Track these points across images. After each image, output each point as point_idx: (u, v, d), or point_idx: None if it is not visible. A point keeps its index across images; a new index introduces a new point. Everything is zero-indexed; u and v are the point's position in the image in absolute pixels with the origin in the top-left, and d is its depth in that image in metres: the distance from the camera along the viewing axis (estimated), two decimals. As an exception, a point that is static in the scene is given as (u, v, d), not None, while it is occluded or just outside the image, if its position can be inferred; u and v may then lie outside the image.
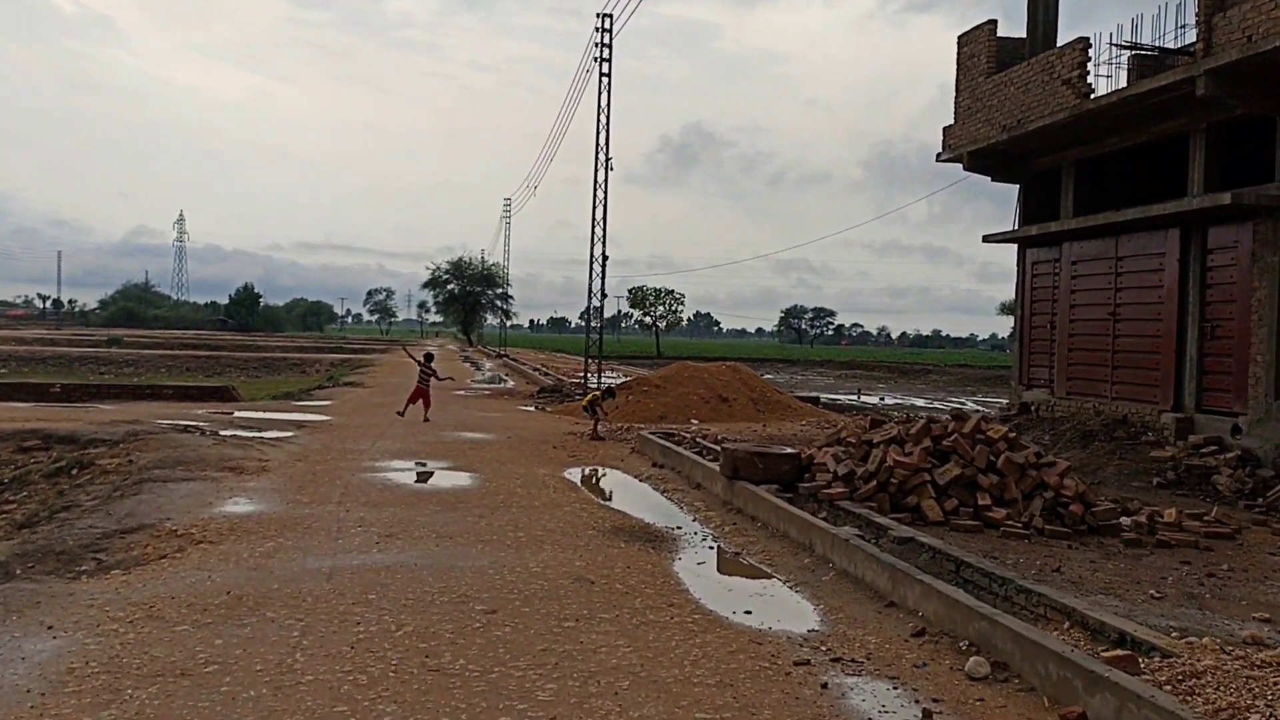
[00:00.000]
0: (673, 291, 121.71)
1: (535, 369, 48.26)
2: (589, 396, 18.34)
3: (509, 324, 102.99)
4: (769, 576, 8.68)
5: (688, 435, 17.28)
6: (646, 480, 14.14)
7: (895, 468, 10.64)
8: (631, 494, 13.16)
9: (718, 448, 15.09)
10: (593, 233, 29.02)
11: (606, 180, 28.87)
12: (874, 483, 10.61)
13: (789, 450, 12.03)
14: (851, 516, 10.04)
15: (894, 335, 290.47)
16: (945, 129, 20.80)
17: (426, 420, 21.38)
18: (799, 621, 7.26)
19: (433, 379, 22.72)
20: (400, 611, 7.03)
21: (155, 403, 24.70)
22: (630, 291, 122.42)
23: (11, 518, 13.03)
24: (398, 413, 21.95)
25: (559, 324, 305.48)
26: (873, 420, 12.55)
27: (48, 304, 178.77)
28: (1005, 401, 23.28)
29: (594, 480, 14.45)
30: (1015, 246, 20.35)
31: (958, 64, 20.24)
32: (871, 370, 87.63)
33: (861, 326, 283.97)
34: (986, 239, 20.50)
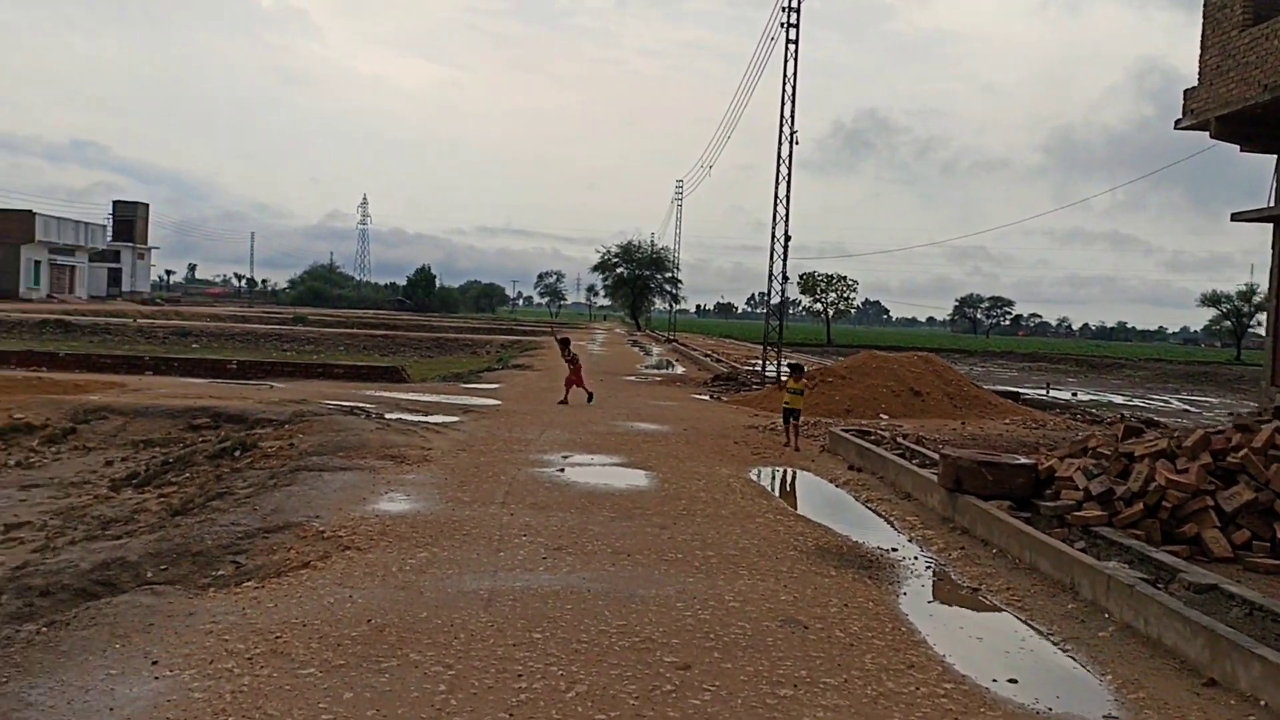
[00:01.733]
0: (845, 278, 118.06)
1: (706, 355, 46.85)
2: (785, 400, 16.02)
3: (676, 308, 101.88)
4: (1025, 624, 6.91)
5: (885, 434, 15.44)
6: (844, 486, 12.44)
7: (1168, 489, 8.66)
8: (830, 503, 11.50)
9: (926, 451, 13.25)
10: (774, 211, 27.28)
11: (791, 156, 27.07)
12: (1139, 506, 8.66)
13: (1023, 460, 10.14)
14: (1115, 548, 8.15)
15: (1075, 326, 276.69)
16: (1186, 92, 18.16)
17: (562, 402, 20.74)
18: (1087, 701, 5.50)
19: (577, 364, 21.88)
20: (571, 660, 5.63)
21: (326, 381, 24.40)
22: (801, 277, 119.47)
23: (169, 502, 12.40)
24: (560, 401, 20.96)
25: (726, 309, 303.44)
26: (1127, 428, 10.51)
27: (243, 283, 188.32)
28: (1253, 405, 20.42)
29: (784, 484, 12.85)
30: (1270, 226, 17.59)
31: (1204, 17, 17.59)
32: (1057, 363, 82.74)
33: (1040, 317, 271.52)
34: (1236, 217, 17.80)
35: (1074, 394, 43.61)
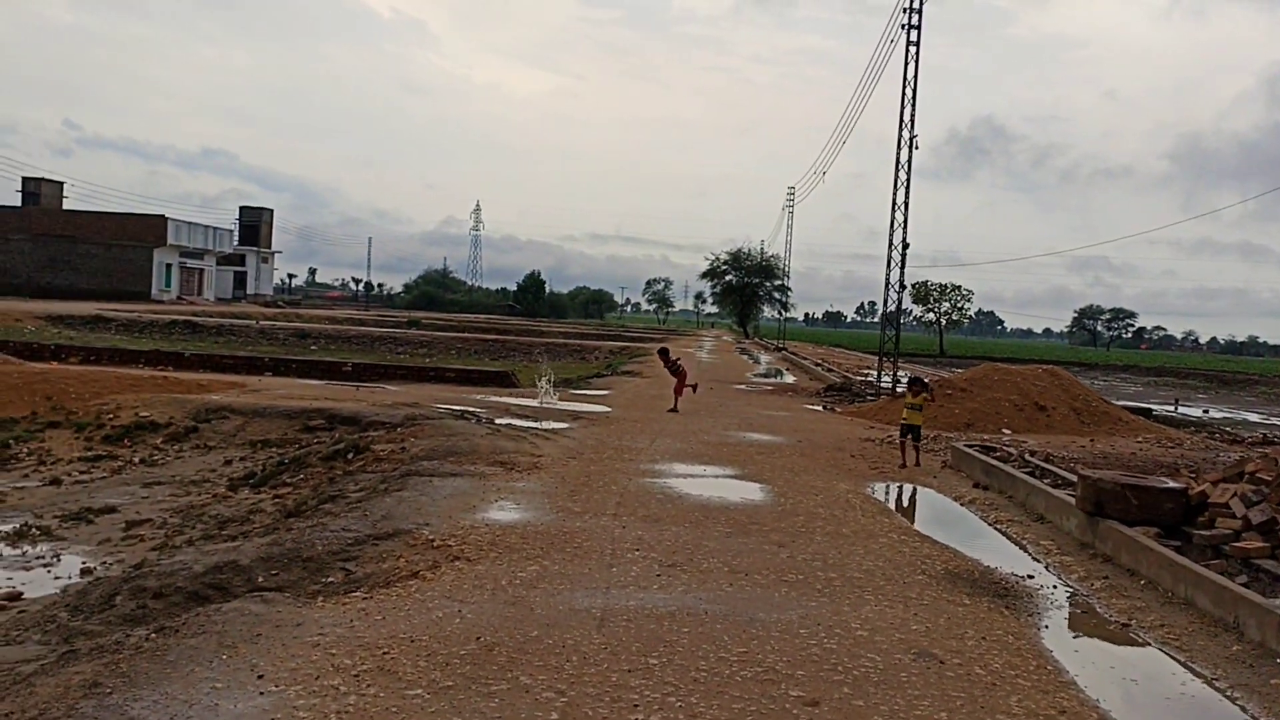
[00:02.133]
0: (959, 287, 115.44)
1: (816, 364, 46.05)
2: (904, 415, 14.99)
3: (785, 316, 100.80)
4: (1185, 668, 6.30)
5: (1013, 450, 14.71)
6: (970, 505, 11.82)
7: (1340, 520, 7.90)
8: (956, 524, 10.92)
9: (1058, 470, 12.54)
10: (892, 218, 26.51)
11: (910, 161, 26.29)
12: (1308, 537, 7.92)
13: (1171, 484, 9.42)
14: (1278, 580, 7.45)
15: (1202, 340, 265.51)
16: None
17: (672, 410, 20.31)
18: (1267, 760, 4.93)
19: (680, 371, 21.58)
20: (690, 690, 5.27)
21: (438, 385, 24.58)
22: (914, 286, 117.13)
23: (284, 503, 12.48)
24: (670, 410, 20.59)
25: (835, 318, 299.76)
26: (1289, 451, 9.70)
27: (360, 287, 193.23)
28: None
29: (906, 502, 12.28)
30: None
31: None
32: (1184, 378, 79.43)
33: (1165, 330, 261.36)
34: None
35: (1205, 411, 41.62)
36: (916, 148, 25.95)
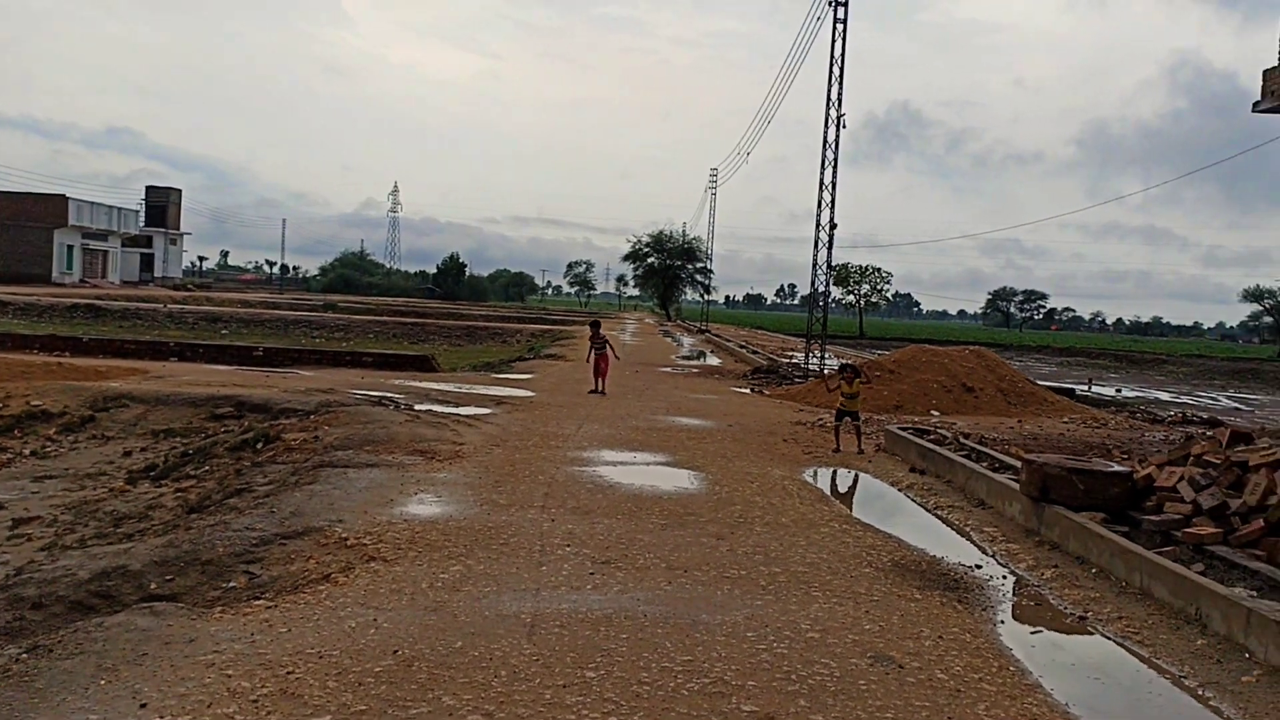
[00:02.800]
0: (879, 269, 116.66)
1: (740, 346, 45.88)
2: (837, 401, 14.69)
3: (707, 299, 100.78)
4: (1149, 665, 5.97)
5: (946, 433, 14.46)
6: (908, 491, 11.50)
7: (1292, 503, 7.69)
8: (897, 511, 10.58)
9: (996, 454, 12.30)
10: (819, 198, 26.18)
11: (838, 140, 25.98)
12: (1259, 523, 7.69)
13: (1118, 468, 9.17)
14: (1238, 571, 7.19)
15: (1109, 321, 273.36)
16: (1266, 73, 17.01)
17: (596, 392, 19.91)
18: (1253, 769, 4.58)
19: (608, 351, 20.92)
20: (633, 708, 4.76)
21: (355, 370, 23.67)
22: (835, 269, 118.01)
23: (186, 497, 11.66)
24: (590, 391, 20.17)
25: (755, 301, 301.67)
26: (1233, 433, 9.51)
27: (274, 270, 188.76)
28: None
29: (844, 488, 11.92)
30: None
31: (1289, -10, 16.46)
32: (1095, 358, 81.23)
33: (1074, 311, 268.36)
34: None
35: (1118, 390, 42.41)
36: (844, 126, 25.71)
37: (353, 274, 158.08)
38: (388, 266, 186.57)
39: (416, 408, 16.50)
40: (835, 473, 12.71)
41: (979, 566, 8.08)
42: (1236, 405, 38.22)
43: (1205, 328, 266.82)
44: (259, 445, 13.65)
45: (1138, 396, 39.49)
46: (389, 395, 17.86)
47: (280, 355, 24.10)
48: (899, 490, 11.55)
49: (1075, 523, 8.44)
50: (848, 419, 14.38)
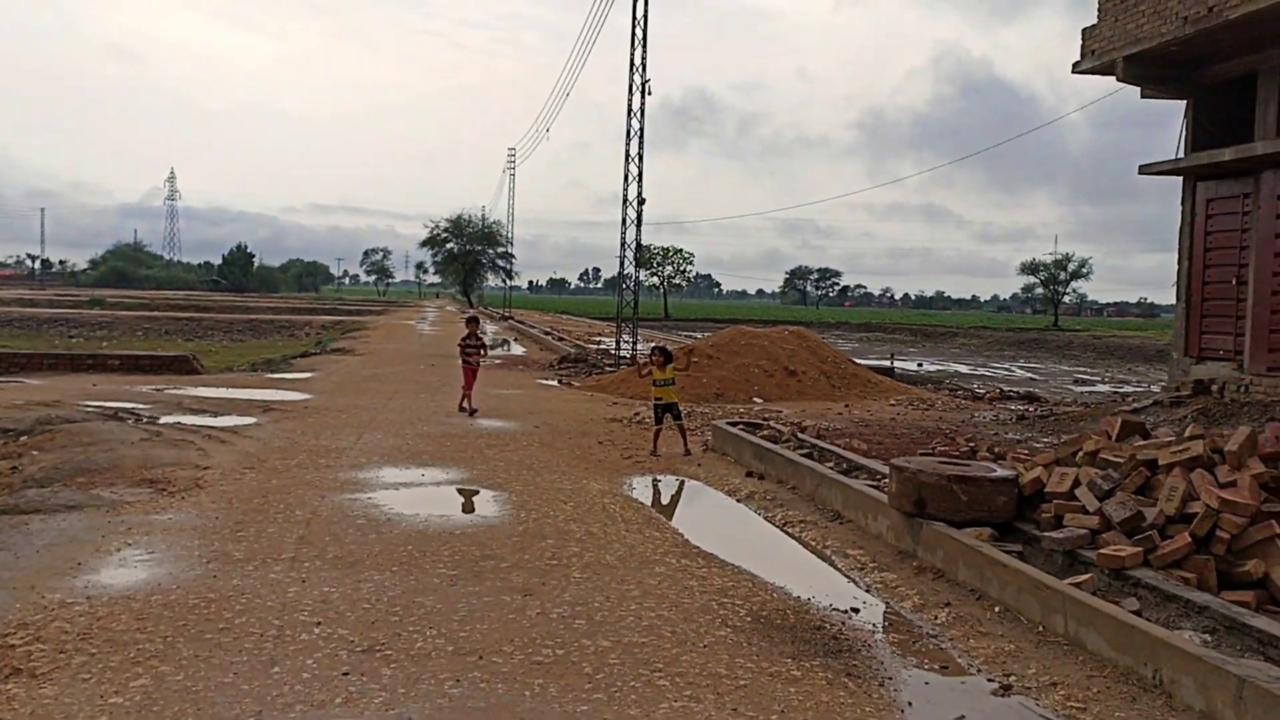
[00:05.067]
0: (681, 250, 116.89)
1: (546, 333, 43.86)
2: (655, 394, 12.75)
3: (510, 285, 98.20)
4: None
5: (782, 428, 12.89)
6: (749, 502, 9.79)
7: (1221, 512, 6.33)
8: (741, 531, 8.83)
9: (842, 452, 10.77)
10: (626, 170, 24.40)
11: (643, 108, 24.22)
12: (1185, 538, 6.29)
13: (1001, 473, 7.68)
14: (1176, 604, 5.74)
15: (897, 296, 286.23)
16: (1085, 31, 16.27)
17: (464, 410, 15.65)
18: None
19: (481, 353, 16.92)
20: None
21: (98, 375, 20.31)
22: (633, 251, 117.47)
23: None
24: (461, 408, 15.80)
25: (559, 285, 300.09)
26: (1124, 424, 8.18)
27: (36, 264, 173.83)
28: (1164, 380, 18.90)
29: (675, 504, 10.09)
30: (1180, 181, 15.90)
31: (1105, -59, 15.71)
32: (891, 333, 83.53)
33: (865, 287, 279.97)
34: (1144, 170, 16.03)
35: (920, 364, 42.73)
36: (649, 93, 23.97)
37: (127, 267, 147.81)
38: (167, 259, 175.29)
39: (161, 421, 13.78)
40: (662, 483, 10.88)
41: (856, 610, 6.38)
42: (1030, 375, 39.02)
43: (983, 300, 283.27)
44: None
45: (938, 369, 39.83)
46: (131, 407, 14.98)
47: (3, 360, 20.45)
48: (738, 502, 9.83)
49: (964, 545, 6.87)
50: (668, 416, 12.61)
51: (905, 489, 7.54)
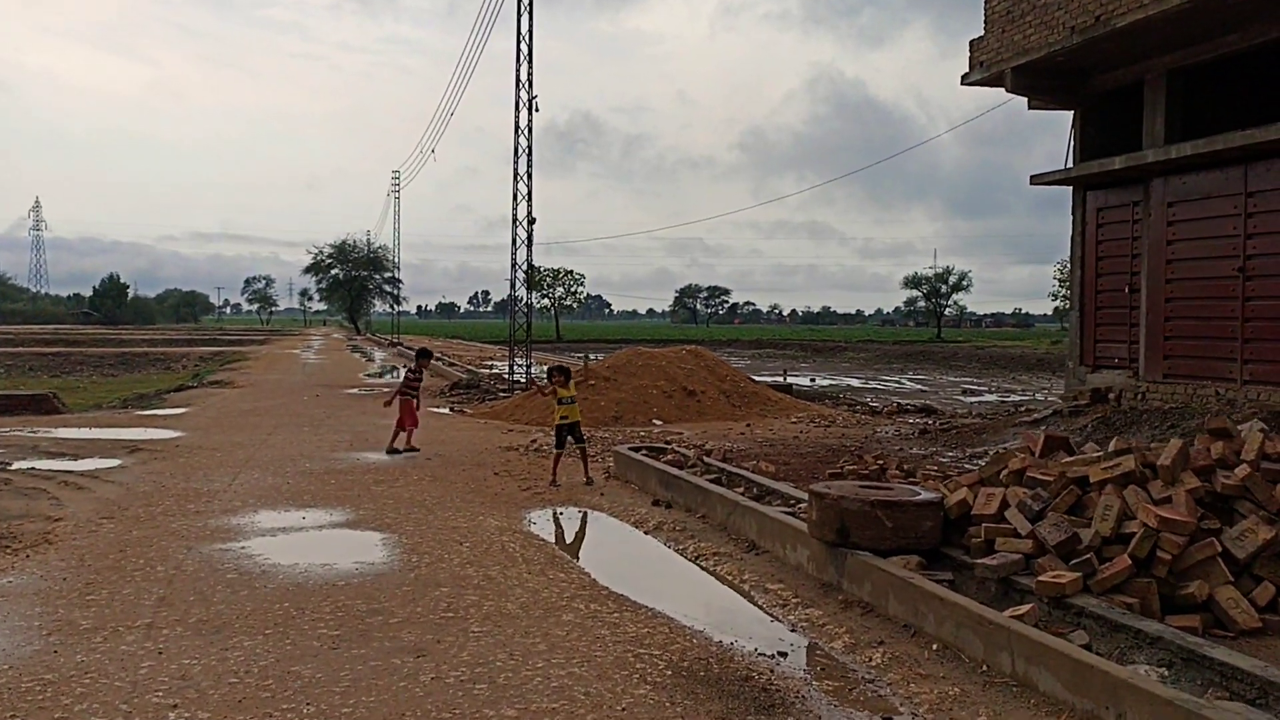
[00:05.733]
0: (571, 272, 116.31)
1: (438, 358, 42.71)
2: (558, 414, 12.06)
3: (398, 310, 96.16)
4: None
5: (688, 452, 12.37)
6: (657, 534, 9.22)
7: (1161, 532, 5.99)
8: (652, 569, 8.24)
9: (749, 474, 10.29)
10: (515, 189, 23.69)
11: (531, 124, 23.57)
12: (1125, 561, 5.94)
13: (925, 495, 7.26)
14: (1125, 634, 5.36)
15: (785, 313, 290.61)
16: (973, 43, 16.28)
17: (410, 449, 14.33)
18: None
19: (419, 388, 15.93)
20: None
21: (-54, 419, 18.73)
22: (525, 272, 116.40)
23: None
24: (396, 449, 14.35)
25: (448, 309, 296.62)
26: (1048, 439, 7.85)
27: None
28: (1047, 388, 18.98)
29: (580, 540, 9.43)
30: (1070, 191, 15.98)
31: (990, -47, 15.74)
32: (781, 349, 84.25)
33: (754, 304, 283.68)
34: (1035, 180, 16.09)
35: (812, 380, 42.89)
36: (537, 110, 23.34)
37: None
38: (34, 291, 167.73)
39: (12, 467, 12.59)
40: (564, 516, 10.22)
41: (784, 654, 5.85)
42: (920, 387, 39.47)
43: (867, 314, 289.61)
44: None
45: (833, 384, 40.00)
46: (-23, 452, 13.70)
47: None
48: (646, 534, 9.25)
49: (894, 577, 6.40)
50: (570, 440, 11.99)
51: (826, 517, 7.06)
